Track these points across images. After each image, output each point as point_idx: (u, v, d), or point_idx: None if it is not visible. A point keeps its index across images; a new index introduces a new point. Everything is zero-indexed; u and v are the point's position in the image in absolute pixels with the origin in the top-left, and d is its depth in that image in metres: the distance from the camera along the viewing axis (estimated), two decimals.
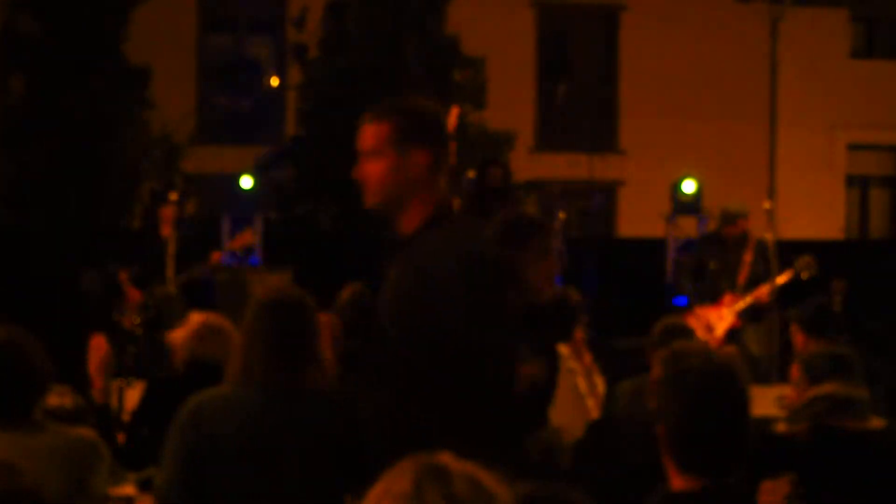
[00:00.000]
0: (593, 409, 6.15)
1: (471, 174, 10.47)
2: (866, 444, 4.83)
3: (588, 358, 6.38)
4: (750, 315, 10.31)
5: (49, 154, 15.13)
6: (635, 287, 12.62)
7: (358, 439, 3.78)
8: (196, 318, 5.42)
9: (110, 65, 15.45)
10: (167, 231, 10.02)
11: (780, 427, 5.08)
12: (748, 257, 10.27)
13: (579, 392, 5.97)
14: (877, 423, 4.99)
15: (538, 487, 2.52)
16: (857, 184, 21.62)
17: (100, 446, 4.13)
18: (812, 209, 19.19)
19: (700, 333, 10.10)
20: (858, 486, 4.66)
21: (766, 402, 6.99)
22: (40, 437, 3.93)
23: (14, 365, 3.90)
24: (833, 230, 19.65)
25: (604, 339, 11.39)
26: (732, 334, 10.26)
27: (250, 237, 10.40)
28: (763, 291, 10.11)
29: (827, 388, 4.97)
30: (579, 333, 6.31)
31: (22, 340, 3.96)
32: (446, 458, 2.27)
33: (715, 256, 10.39)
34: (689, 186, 12.68)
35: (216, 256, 10.05)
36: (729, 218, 10.39)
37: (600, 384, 6.42)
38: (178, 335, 5.35)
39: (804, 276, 10.16)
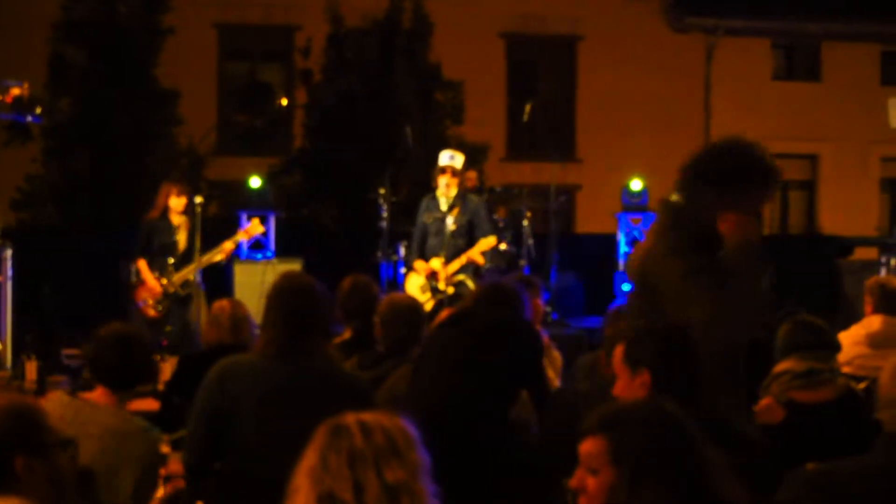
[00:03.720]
0: (554, 380, 6.14)
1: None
2: (820, 415, 4.38)
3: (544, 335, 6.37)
4: None
5: (93, 163, 15.09)
6: (590, 276, 12.62)
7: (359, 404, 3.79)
8: (217, 306, 5.44)
9: (144, 88, 15.42)
10: (177, 219, 9.06)
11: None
12: None
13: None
14: (828, 392, 4.48)
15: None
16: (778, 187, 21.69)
17: None
18: None
19: None
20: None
21: None
22: None
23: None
24: None
25: (563, 320, 11.40)
26: None
27: (258, 226, 9.71)
28: None
29: (787, 363, 4.56)
30: (539, 306, 6.28)
31: (131, 333, 4.03)
32: (350, 417, 2.19)
33: None
34: (636, 185, 12.68)
35: (228, 245, 9.32)
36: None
37: (558, 358, 6.41)
38: (204, 320, 5.33)
39: None
